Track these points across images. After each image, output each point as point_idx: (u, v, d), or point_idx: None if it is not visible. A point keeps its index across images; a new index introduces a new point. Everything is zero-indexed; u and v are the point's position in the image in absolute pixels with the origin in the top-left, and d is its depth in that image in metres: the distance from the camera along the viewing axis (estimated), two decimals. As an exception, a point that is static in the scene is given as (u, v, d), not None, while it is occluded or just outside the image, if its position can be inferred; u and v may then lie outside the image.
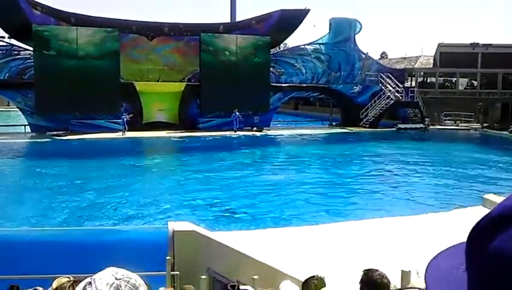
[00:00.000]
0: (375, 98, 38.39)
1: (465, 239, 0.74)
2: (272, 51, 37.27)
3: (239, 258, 6.86)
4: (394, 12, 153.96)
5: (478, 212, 11.32)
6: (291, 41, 44.72)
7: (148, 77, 34.22)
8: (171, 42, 34.96)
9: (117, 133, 31.03)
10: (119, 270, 1.55)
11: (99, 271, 1.57)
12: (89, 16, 32.64)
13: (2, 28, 31.23)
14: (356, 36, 39.21)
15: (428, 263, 0.76)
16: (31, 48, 31.11)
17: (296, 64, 37.79)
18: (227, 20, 48.04)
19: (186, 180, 18.92)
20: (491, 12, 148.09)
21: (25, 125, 32.65)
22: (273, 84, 36.41)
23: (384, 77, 39.23)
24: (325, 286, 4.32)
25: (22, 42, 32.03)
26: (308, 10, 36.56)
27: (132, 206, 14.76)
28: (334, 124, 41.13)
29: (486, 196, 11.90)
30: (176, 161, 25.11)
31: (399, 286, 4.89)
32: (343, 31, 38.50)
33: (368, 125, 37.66)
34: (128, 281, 1.49)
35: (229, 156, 24.97)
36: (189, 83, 34.66)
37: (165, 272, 6.85)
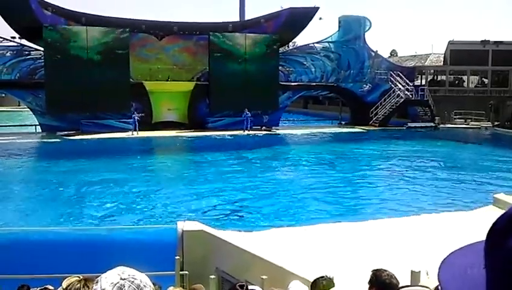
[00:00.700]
0: (385, 97, 38.21)
1: (476, 239, 0.73)
2: (281, 49, 37.23)
3: (248, 258, 6.86)
4: (404, 9, 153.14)
5: (489, 212, 11.23)
6: (301, 39, 44.69)
7: (158, 76, 34.34)
8: (180, 41, 35.04)
9: (128, 133, 31.16)
10: (127, 269, 1.55)
11: (108, 270, 1.58)
12: (99, 16, 32.82)
13: (13, 29, 31.47)
14: (366, 34, 39.06)
15: (441, 263, 0.76)
16: (42, 48, 31.34)
17: (305, 63, 37.71)
18: (236, 18, 48.00)
19: (196, 179, 18.96)
20: (502, 10, 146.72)
21: (35, 125, 32.91)
22: (282, 83, 36.36)
23: (394, 75, 39.04)
24: (334, 286, 4.31)
25: (33, 42, 32.28)
26: (318, 8, 36.47)
27: (146, 205, 14.83)
28: (343, 123, 41.00)
29: (497, 196, 11.79)
30: (188, 160, 25.17)
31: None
32: (352, 29, 38.35)
33: (377, 124, 37.48)
34: (133, 282, 1.50)
35: (240, 155, 24.99)
36: (198, 82, 34.74)
37: (174, 272, 6.87)
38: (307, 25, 36.84)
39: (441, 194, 16.45)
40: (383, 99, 38.19)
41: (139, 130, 31.14)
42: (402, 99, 38.07)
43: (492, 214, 10.96)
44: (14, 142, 28.77)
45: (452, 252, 0.76)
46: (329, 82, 38.15)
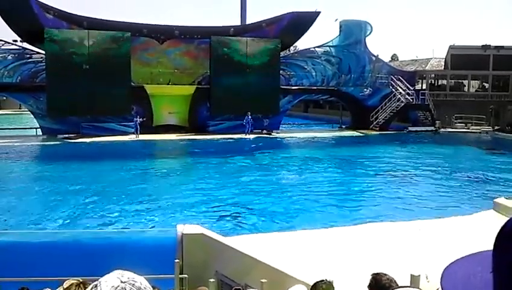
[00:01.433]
0: (386, 101, 38.23)
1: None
2: (282, 53, 37.28)
3: (247, 261, 6.85)
4: (405, 14, 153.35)
5: (489, 216, 11.22)
6: (302, 43, 44.76)
7: (159, 80, 34.38)
8: (181, 45, 35.10)
9: (129, 136, 31.18)
10: (126, 273, 1.55)
11: (106, 274, 1.57)
12: (101, 20, 32.88)
13: (14, 32, 31.54)
14: (366, 38, 39.11)
15: (444, 271, 0.76)
16: (43, 52, 31.40)
17: (306, 67, 37.75)
18: (238, 22, 48.12)
19: (197, 183, 18.95)
20: (503, 13, 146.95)
21: (36, 128, 32.95)
22: (283, 86, 36.39)
23: (394, 79, 39.08)
24: (333, 290, 4.29)
25: (34, 46, 32.35)
26: (319, 12, 36.52)
27: (146, 208, 14.82)
28: (344, 126, 41.02)
29: (498, 200, 11.79)
30: (189, 163, 25.17)
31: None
32: (353, 33, 38.40)
33: (378, 128, 37.49)
34: (133, 284, 1.49)
35: (242, 159, 24.99)
36: (199, 86, 34.78)
37: (173, 275, 6.86)
38: (308, 29, 36.89)
39: (441, 199, 16.43)
40: (383, 103, 38.21)
41: (140, 134, 31.17)
42: (403, 104, 38.10)
43: (493, 218, 10.95)
44: (15, 145, 28.79)
45: (454, 261, 0.76)
46: (330, 86, 38.18)
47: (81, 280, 3.11)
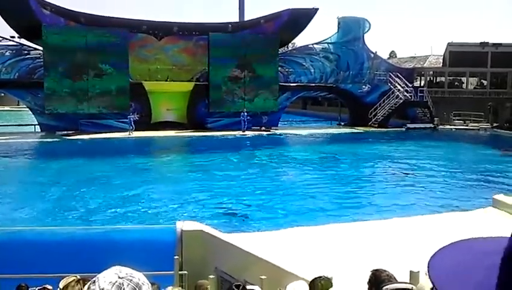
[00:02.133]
0: (384, 98, 38.25)
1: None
2: (280, 50, 37.24)
3: (247, 258, 6.85)
4: (403, 11, 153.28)
5: (488, 213, 11.23)
6: (300, 40, 44.68)
7: (157, 76, 34.32)
8: (179, 42, 35.02)
9: (124, 133, 31.15)
10: (123, 269, 1.55)
11: (104, 270, 1.57)
12: (98, 16, 32.79)
13: (12, 28, 31.45)
14: (365, 35, 39.09)
15: (430, 261, 0.75)
16: (41, 48, 31.33)
17: (304, 64, 37.73)
18: (236, 19, 48.00)
19: (194, 180, 18.95)
20: (502, 11, 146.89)
21: (34, 125, 32.90)
22: (282, 83, 36.38)
23: (393, 76, 39.08)
24: (332, 286, 4.29)
25: (32, 42, 32.27)
26: (317, 9, 36.47)
27: (144, 204, 14.82)
28: (342, 123, 41.04)
29: (497, 196, 11.80)
30: (186, 160, 25.17)
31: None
32: (351, 30, 38.38)
33: (376, 125, 37.52)
34: (131, 280, 1.49)
35: (238, 156, 25.00)
36: (197, 83, 34.74)
37: (173, 272, 6.86)
38: (306, 26, 36.86)
39: (440, 195, 16.45)
40: (382, 100, 38.22)
41: (137, 130, 31.12)
42: (401, 101, 38.12)
43: (492, 215, 10.97)
44: (13, 141, 28.74)
45: (438, 250, 0.76)
46: (328, 83, 38.18)
47: (79, 277, 3.10)
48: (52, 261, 6.92)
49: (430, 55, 48.23)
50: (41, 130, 32.07)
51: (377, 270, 3.61)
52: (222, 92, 34.22)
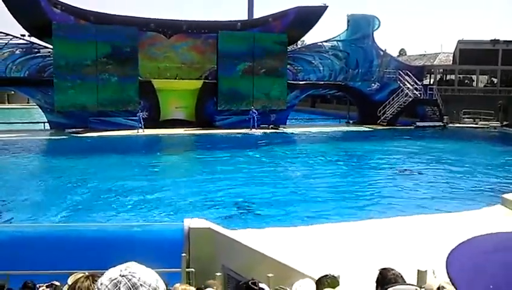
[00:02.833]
0: (393, 96, 38.05)
1: None
2: (289, 48, 37.14)
3: (254, 256, 6.86)
4: (413, 8, 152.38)
5: (497, 211, 11.16)
6: (309, 38, 44.57)
7: (166, 74, 34.40)
8: (188, 40, 35.06)
9: (133, 131, 31.24)
10: (133, 266, 1.54)
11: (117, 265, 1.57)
12: (108, 14, 32.91)
13: (22, 26, 31.64)
14: (374, 33, 38.89)
15: (448, 258, 0.75)
16: (51, 46, 31.51)
17: (313, 62, 37.62)
18: (245, 17, 47.98)
19: (203, 178, 18.98)
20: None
21: (44, 122, 33.13)
22: (290, 81, 36.32)
23: (402, 74, 38.86)
24: (338, 285, 4.28)
25: (42, 40, 32.44)
26: (326, 7, 36.35)
27: (153, 201, 14.87)
28: (351, 121, 40.88)
29: (506, 195, 11.73)
30: (195, 158, 25.22)
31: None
32: (361, 27, 38.20)
33: (385, 123, 37.34)
34: (130, 280, 1.48)
35: (247, 154, 25.00)
36: (206, 81, 34.78)
37: (180, 269, 6.88)
38: (315, 23, 36.73)
39: (449, 194, 16.37)
40: (391, 98, 38.03)
41: (146, 128, 31.23)
42: (410, 99, 37.90)
43: (501, 213, 10.90)
44: (23, 139, 28.96)
45: (455, 248, 0.76)
46: (337, 81, 38.04)
47: (88, 274, 3.12)
48: (61, 257, 6.97)
49: (440, 53, 47.95)
50: (51, 128, 32.27)
51: (384, 269, 3.60)
52: (231, 90, 34.23)
